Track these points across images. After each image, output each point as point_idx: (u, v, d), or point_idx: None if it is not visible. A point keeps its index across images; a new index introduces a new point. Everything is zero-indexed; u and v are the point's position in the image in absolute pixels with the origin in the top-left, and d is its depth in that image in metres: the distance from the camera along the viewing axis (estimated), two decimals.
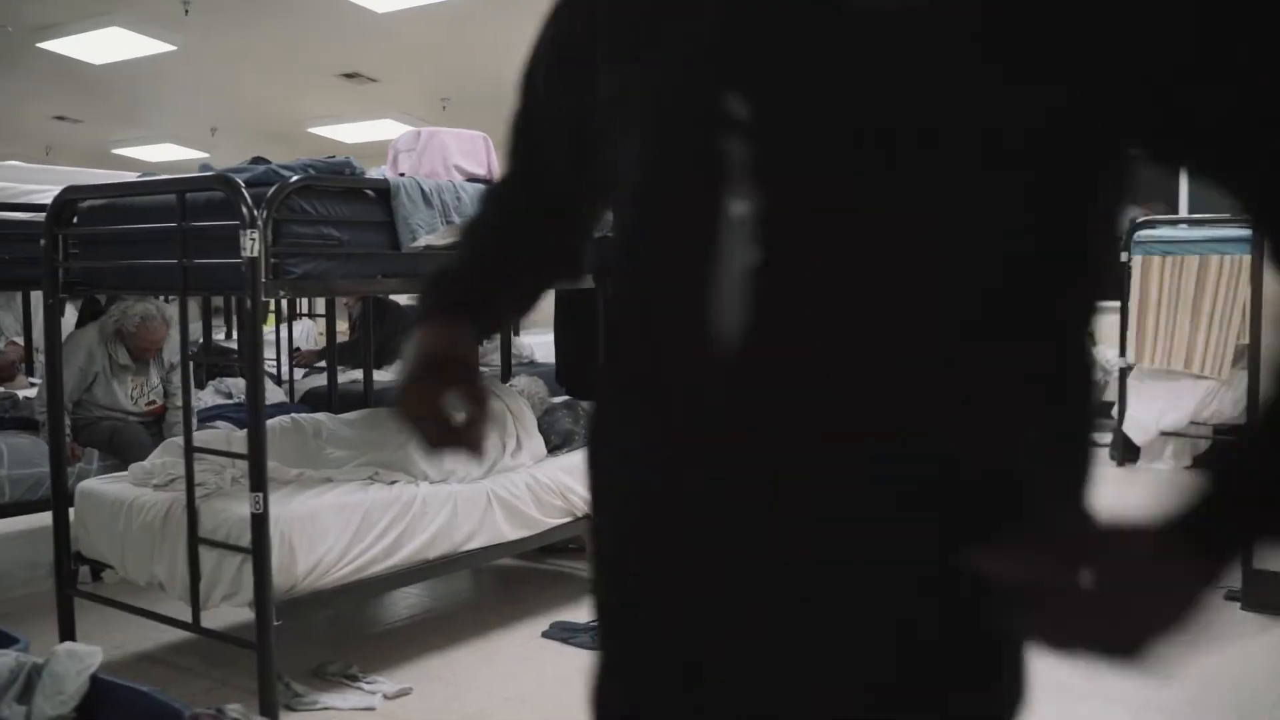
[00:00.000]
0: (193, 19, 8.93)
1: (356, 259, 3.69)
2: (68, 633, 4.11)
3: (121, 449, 5.14)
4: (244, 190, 3.37)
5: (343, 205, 3.64)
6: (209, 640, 3.75)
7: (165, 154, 13.88)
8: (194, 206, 3.55)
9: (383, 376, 7.29)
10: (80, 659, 2.94)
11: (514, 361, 8.10)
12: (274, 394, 6.44)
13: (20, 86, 11.72)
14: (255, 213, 3.33)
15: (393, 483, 4.07)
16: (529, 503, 4.41)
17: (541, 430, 4.85)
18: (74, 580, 4.10)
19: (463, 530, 4.13)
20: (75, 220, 3.98)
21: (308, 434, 4.29)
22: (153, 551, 3.77)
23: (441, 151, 4.15)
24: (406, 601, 4.82)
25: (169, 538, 3.71)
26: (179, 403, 5.37)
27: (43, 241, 3.96)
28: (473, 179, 4.17)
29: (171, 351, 5.54)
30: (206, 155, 10.96)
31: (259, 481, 3.41)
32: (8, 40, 9.85)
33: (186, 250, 3.56)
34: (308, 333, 9.48)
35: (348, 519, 3.75)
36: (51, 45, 9.82)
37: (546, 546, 5.38)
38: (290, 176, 3.48)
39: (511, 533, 4.33)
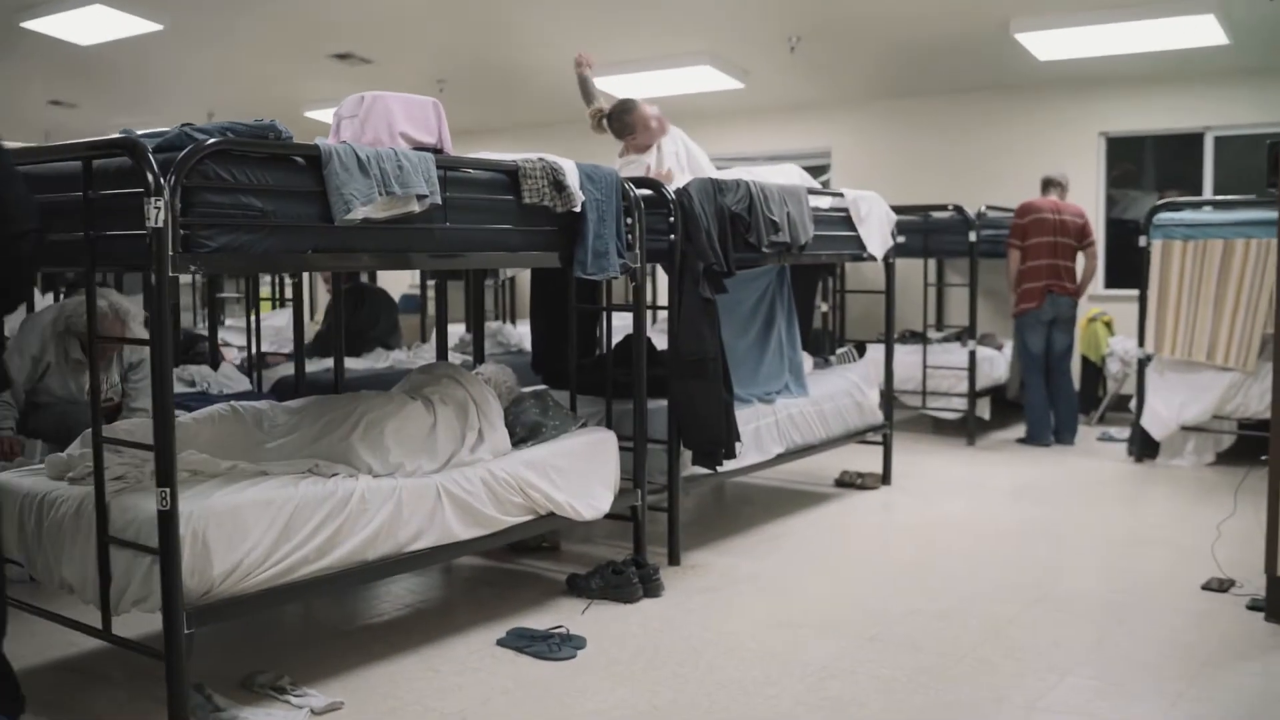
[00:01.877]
0: None
1: (283, 232, 3.36)
2: None
3: (69, 438, 4.84)
4: (150, 155, 3.05)
5: (267, 172, 3.30)
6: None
7: None
8: (106, 174, 3.24)
9: (359, 365, 7.00)
10: None
11: (503, 350, 7.80)
12: (240, 382, 6.16)
13: (11, 70, 11.48)
14: (161, 179, 3.02)
15: (333, 475, 3.76)
16: (484, 499, 4.08)
17: (507, 423, 4.53)
18: None
19: (408, 529, 3.81)
20: None
21: (247, 423, 3.97)
22: (61, 551, 3.46)
23: (386, 117, 3.81)
24: (352, 606, 4.50)
25: (80, 537, 3.40)
26: (136, 404, 5.11)
27: None
28: (420, 147, 3.83)
29: (132, 349, 5.25)
30: None
31: (165, 475, 3.09)
32: None
33: (93, 221, 3.25)
34: (288, 320, 9.17)
35: (274, 516, 3.42)
36: (35, 25, 9.53)
37: (517, 545, 5.08)
38: (206, 140, 3.16)
39: (463, 532, 4.01)
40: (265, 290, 10.40)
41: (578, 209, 4.26)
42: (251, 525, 3.36)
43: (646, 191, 4.87)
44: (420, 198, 3.65)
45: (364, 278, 8.14)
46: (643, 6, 8.64)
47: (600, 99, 5.89)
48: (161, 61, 10.60)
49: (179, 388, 5.98)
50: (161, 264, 3.03)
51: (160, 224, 3.01)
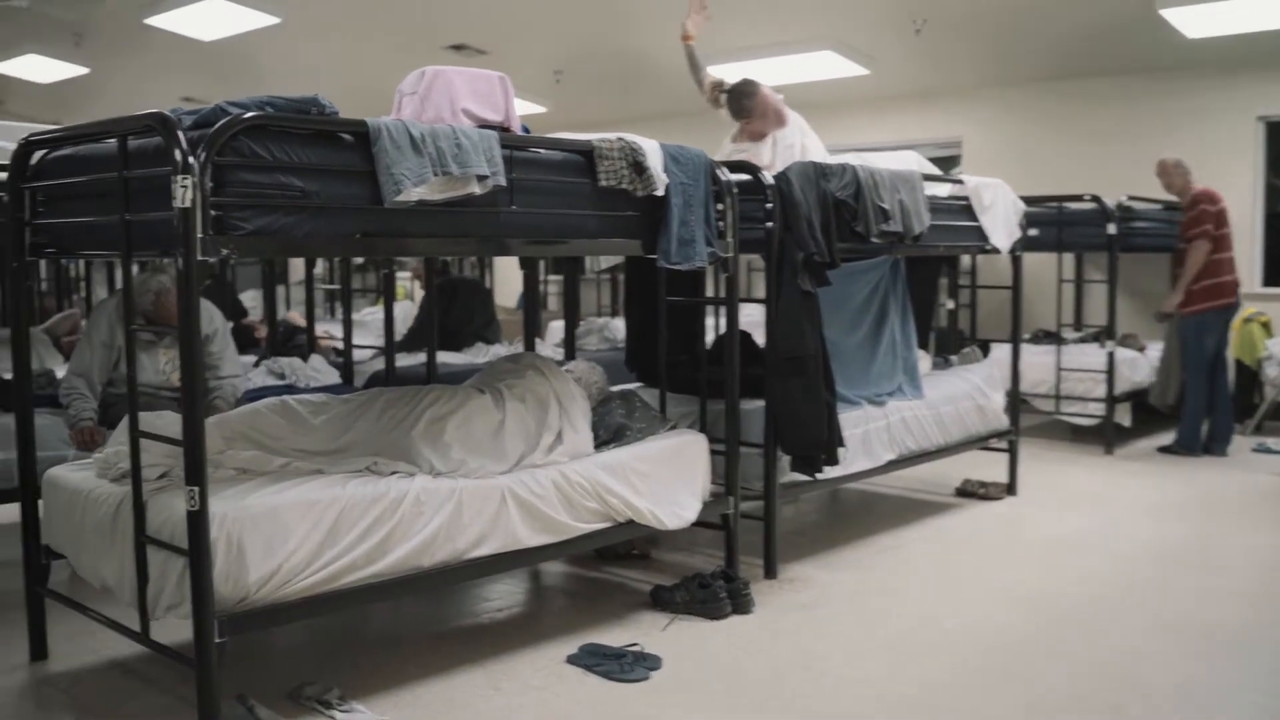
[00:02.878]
0: None
1: (327, 214, 3.11)
2: (37, 635, 3.71)
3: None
4: (180, 131, 2.84)
5: (309, 150, 3.06)
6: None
7: None
8: (144, 154, 3.05)
9: (458, 359, 6.82)
10: None
11: (608, 346, 7.53)
12: (329, 376, 6.01)
13: (141, 67, 11.71)
14: (190, 157, 2.80)
15: (391, 474, 3.52)
16: (555, 504, 3.79)
17: (591, 425, 4.25)
18: (44, 577, 3.67)
19: (468, 534, 3.55)
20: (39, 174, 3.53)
21: (301, 418, 3.73)
22: (102, 550, 3.29)
23: (448, 93, 3.55)
24: (414, 613, 4.26)
25: (118, 536, 3.23)
26: (222, 373, 5.00)
27: (5, 197, 3.54)
28: (484, 125, 3.56)
29: (205, 321, 5.12)
30: None
31: (195, 473, 2.88)
32: (114, 18, 9.75)
33: (129, 203, 3.06)
34: (405, 315, 9.06)
35: (317, 518, 3.20)
36: (158, 21, 9.65)
37: (604, 551, 4.79)
38: (242, 114, 2.94)
39: (531, 538, 3.73)
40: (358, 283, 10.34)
41: (660, 193, 3.94)
42: (292, 528, 3.14)
43: (742, 176, 4.52)
44: (481, 179, 3.37)
45: (459, 271, 7.97)
46: None
47: (709, 74, 5.57)
48: (280, 55, 10.65)
49: (268, 380, 5.87)
50: (189, 246, 2.81)
51: (188, 204, 2.79)
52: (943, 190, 5.63)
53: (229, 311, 8.10)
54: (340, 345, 7.44)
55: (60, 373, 5.28)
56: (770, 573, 4.65)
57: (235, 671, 3.45)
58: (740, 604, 4.20)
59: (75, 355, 4.89)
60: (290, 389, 5.65)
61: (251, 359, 6.97)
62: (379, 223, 3.24)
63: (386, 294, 6.00)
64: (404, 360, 6.53)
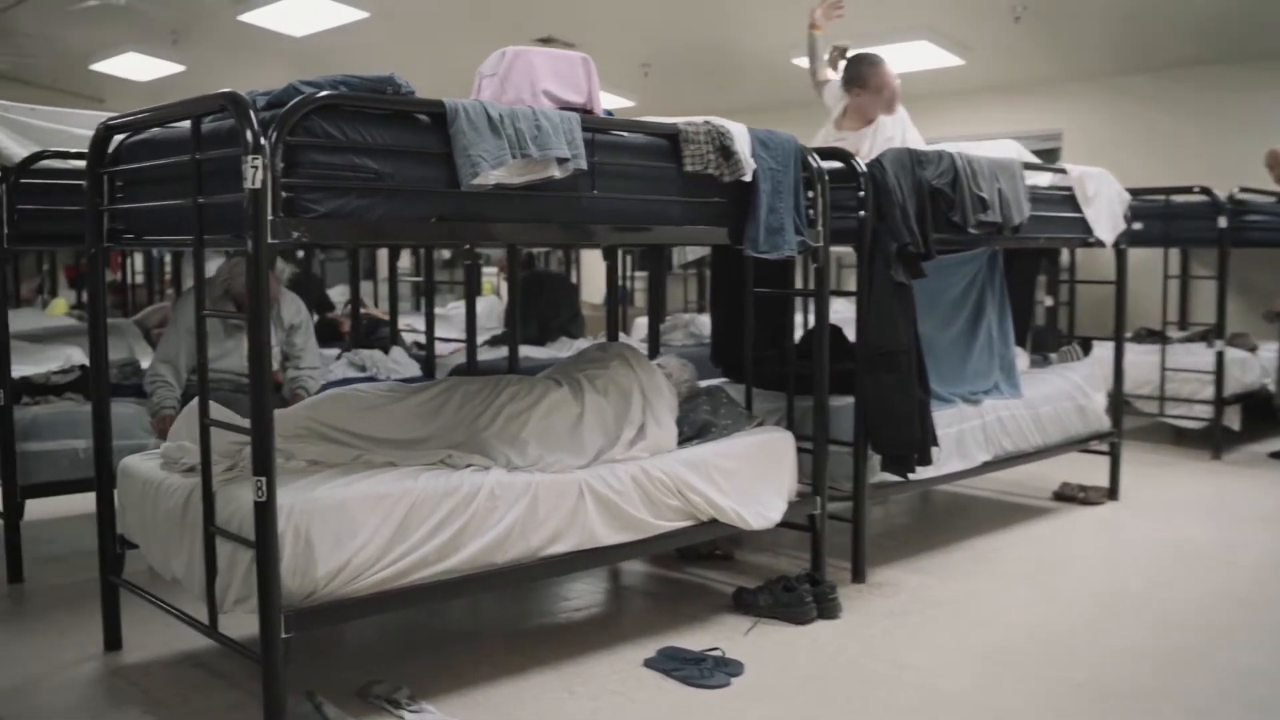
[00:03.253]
0: None
1: (401, 197, 3.01)
2: (111, 625, 3.67)
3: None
4: (251, 111, 2.76)
5: (383, 131, 2.97)
6: None
7: None
8: (217, 136, 2.98)
9: (543, 354, 6.72)
10: None
11: (695, 342, 7.38)
12: (410, 368, 5.95)
13: (236, 63, 11.83)
14: (261, 137, 2.72)
15: (466, 467, 3.41)
16: (635, 500, 3.66)
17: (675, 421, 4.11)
18: (119, 566, 3.63)
19: (544, 530, 3.43)
20: (117, 160, 3.50)
21: (375, 408, 3.63)
22: (172, 542, 3.23)
23: (528, 74, 3.43)
24: (489, 610, 4.14)
25: (187, 527, 3.17)
26: (303, 364, 4.99)
27: (85, 183, 3.51)
28: (567, 107, 3.44)
29: (293, 312, 5.13)
30: None
31: (263, 463, 2.80)
32: (207, 13, 9.84)
33: (203, 185, 2.99)
34: (491, 310, 9.01)
35: (387, 512, 3.10)
36: (251, 18, 9.73)
37: (686, 551, 4.65)
38: (315, 94, 2.85)
39: (609, 536, 3.59)
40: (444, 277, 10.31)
41: (748, 178, 3.78)
42: (361, 522, 3.04)
43: (834, 163, 4.34)
44: (561, 161, 3.25)
45: (544, 265, 7.89)
46: None
47: (826, 70, 5.39)
48: (369, 49, 10.66)
49: (349, 372, 5.83)
50: (260, 228, 2.73)
51: (258, 184, 2.71)
52: (1044, 180, 5.39)
53: (315, 306, 8.14)
54: (423, 339, 7.41)
55: (146, 363, 5.30)
56: (858, 576, 4.46)
57: (304, 667, 3.38)
58: (826, 609, 4.02)
59: (162, 342, 4.89)
60: (371, 381, 5.60)
61: (335, 352, 6.96)
62: (455, 206, 3.14)
63: (469, 287, 5.92)
64: (486, 354, 6.45)
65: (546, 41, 10.17)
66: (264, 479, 2.79)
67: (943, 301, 5.20)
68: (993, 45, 8.91)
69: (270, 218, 2.74)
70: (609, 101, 12.46)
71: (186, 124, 3.07)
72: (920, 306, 4.59)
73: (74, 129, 4.58)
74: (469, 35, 10.27)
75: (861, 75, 5.02)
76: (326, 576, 2.97)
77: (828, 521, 4.31)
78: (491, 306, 9.13)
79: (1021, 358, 5.76)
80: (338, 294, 9.93)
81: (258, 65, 11.87)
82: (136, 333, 7.04)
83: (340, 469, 3.31)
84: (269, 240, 2.76)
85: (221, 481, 3.10)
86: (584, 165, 3.31)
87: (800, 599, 3.98)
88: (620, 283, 8.72)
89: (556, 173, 3.26)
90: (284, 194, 2.79)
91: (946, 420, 4.80)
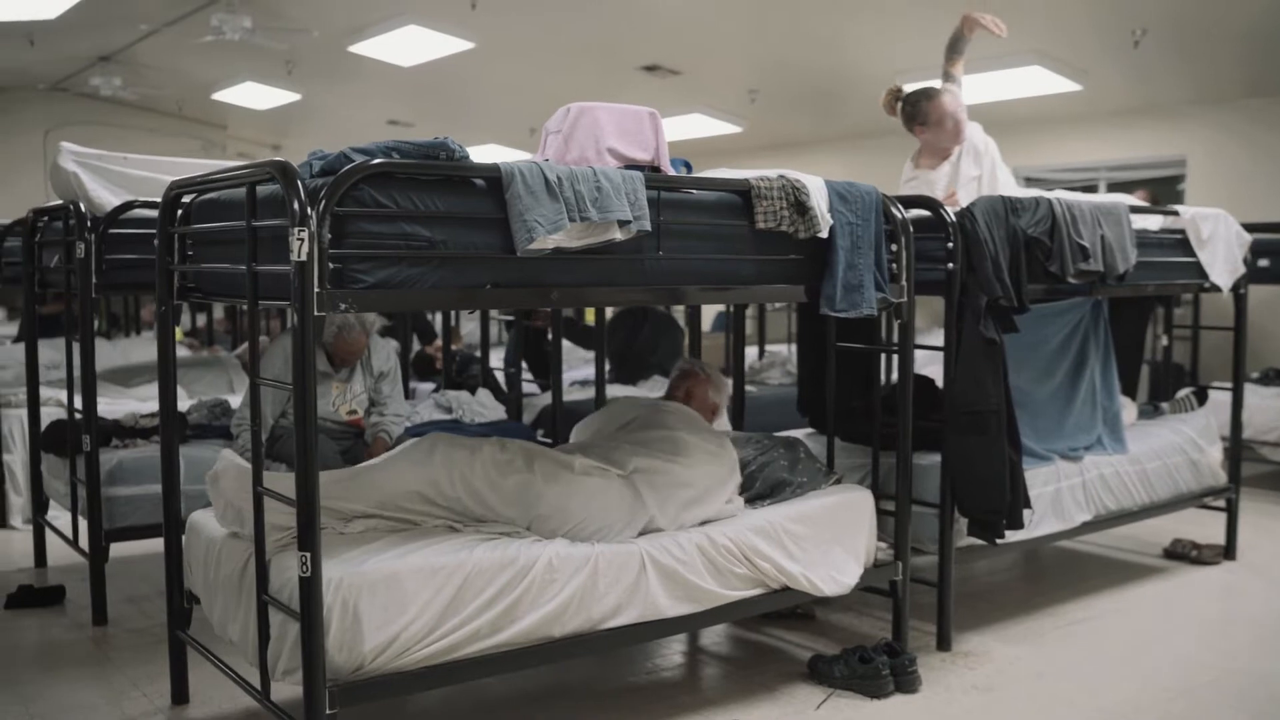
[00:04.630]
0: (481, 14, 8.66)
1: (454, 264, 2.96)
2: (178, 678, 3.69)
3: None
4: (299, 180, 2.74)
5: (436, 197, 2.91)
6: None
7: (490, 155, 13.96)
8: (270, 201, 2.96)
9: (634, 394, 6.65)
10: None
11: (792, 380, 7.21)
12: (495, 410, 5.92)
13: (348, 92, 12.08)
14: (309, 208, 2.69)
15: (525, 538, 3.33)
16: (700, 569, 3.53)
17: (748, 474, 3.99)
18: (186, 620, 3.65)
19: (604, 603, 3.33)
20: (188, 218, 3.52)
21: (438, 483, 3.47)
22: (231, 605, 3.23)
23: (593, 131, 3.35)
24: (540, 677, 4.00)
25: (243, 593, 3.15)
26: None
27: (156, 241, 3.54)
28: (632, 165, 3.35)
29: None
30: (527, 155, 10.80)
31: (307, 539, 2.76)
32: (319, 46, 10.04)
33: (257, 251, 2.98)
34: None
35: (440, 585, 3.04)
36: (361, 48, 9.90)
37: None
38: (367, 161, 2.81)
39: (672, 608, 3.47)
40: None
41: (824, 234, 3.64)
42: (413, 595, 2.98)
43: (920, 211, 4.16)
44: (623, 224, 3.16)
45: None
46: (966, 3, 7.81)
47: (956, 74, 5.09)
48: (476, 77, 10.77)
49: (435, 413, 5.83)
50: (305, 300, 2.70)
51: (304, 257, 2.68)
52: (1153, 223, 5.11)
53: (417, 334, 8.20)
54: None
55: (236, 401, 5.37)
56: (943, 644, 4.26)
57: None
58: (905, 682, 3.84)
59: (248, 387, 4.94)
60: (456, 424, 5.58)
61: (430, 386, 6.99)
62: (512, 273, 3.07)
63: (555, 327, 5.87)
64: (574, 394, 6.40)
65: (652, 70, 10.14)
66: (308, 554, 2.75)
67: (1041, 352, 4.96)
68: (1111, 69, 8.57)
69: (317, 290, 2.71)
70: (714, 128, 12.42)
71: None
72: (1016, 357, 4.38)
73: (165, 177, 4.66)
74: (574, 63, 10.30)
75: (920, 112, 4.81)
76: (374, 651, 2.92)
77: (912, 582, 4.13)
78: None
79: (1129, 410, 5.47)
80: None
81: (368, 94, 12.11)
82: (237, 365, 7.18)
83: (396, 536, 3.26)
84: (315, 313, 2.72)
85: (278, 548, 3.07)
86: (647, 227, 3.21)
87: (877, 671, 3.81)
88: (728, 311, 8.63)
89: (618, 235, 3.17)
90: (332, 265, 2.75)
91: (1042, 479, 4.57)
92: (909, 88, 4.94)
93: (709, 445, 3.86)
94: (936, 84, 4.91)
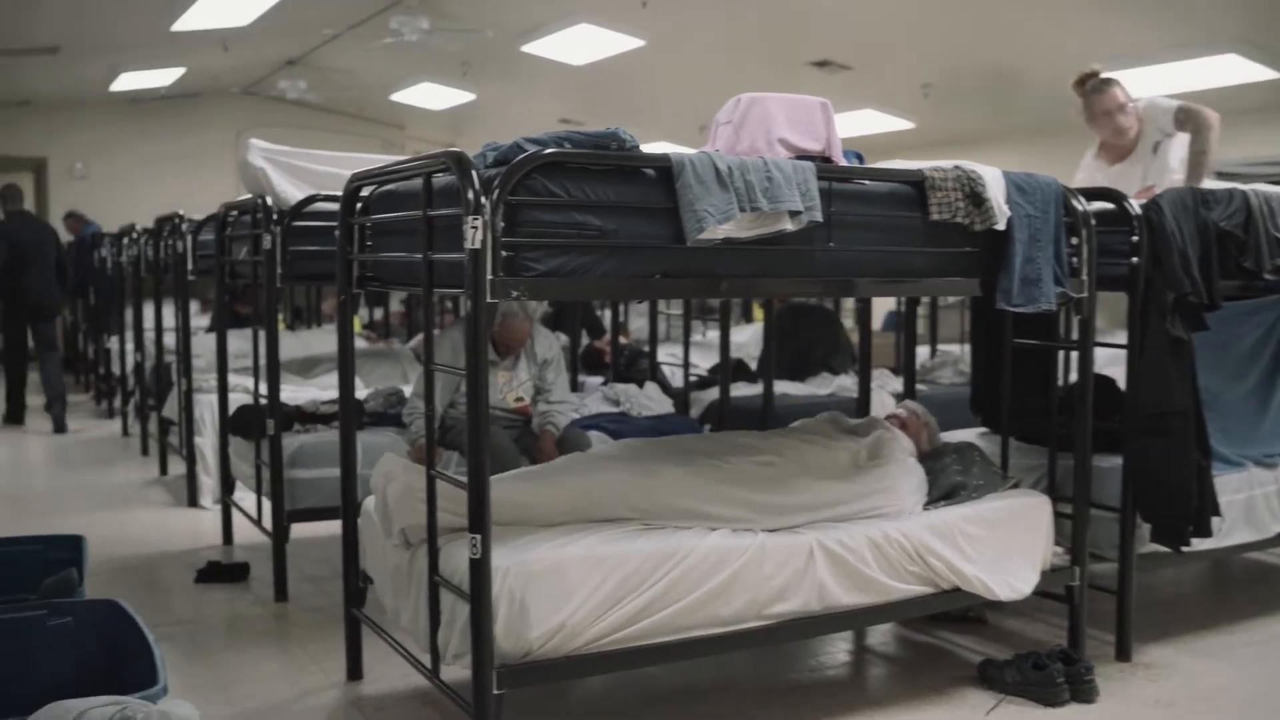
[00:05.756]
0: (652, 12, 8.72)
1: (624, 253, 2.97)
2: (353, 655, 3.81)
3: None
4: (473, 170, 2.79)
5: (607, 187, 2.93)
6: None
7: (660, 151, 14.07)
8: (446, 192, 3.03)
9: (799, 390, 6.58)
10: None
11: (964, 380, 7.04)
12: (663, 404, 5.93)
13: (521, 91, 12.31)
14: (482, 197, 2.74)
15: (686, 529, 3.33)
16: (869, 560, 3.46)
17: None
18: (361, 599, 3.77)
19: (770, 584, 3.28)
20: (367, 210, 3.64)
21: (640, 468, 3.54)
22: (402, 590, 3.31)
23: (764, 121, 3.32)
24: (707, 668, 3.98)
25: (414, 580, 3.24)
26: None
27: (337, 231, 3.67)
28: (803, 156, 3.31)
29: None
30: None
31: (478, 520, 2.81)
32: (493, 46, 10.25)
33: (432, 241, 3.05)
34: (755, 337, 8.92)
35: (604, 575, 3.05)
36: (533, 48, 10.08)
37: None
38: (540, 151, 2.85)
39: (840, 595, 3.41)
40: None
41: (1000, 226, 3.52)
42: (577, 584, 3.01)
43: (1102, 205, 4.00)
44: (794, 214, 3.12)
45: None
46: None
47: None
48: (646, 75, 10.84)
49: (603, 406, 5.87)
50: (479, 289, 2.75)
51: (478, 245, 2.73)
52: None
53: (587, 328, 8.28)
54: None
55: (409, 391, 5.52)
56: (1123, 654, 4.08)
57: (528, 714, 3.39)
58: (1081, 692, 3.69)
59: (419, 376, 5.08)
60: (624, 417, 5.62)
61: (599, 380, 7.06)
62: (681, 263, 3.07)
63: (724, 319, 5.85)
64: (742, 389, 6.37)
65: (823, 65, 10.03)
66: (479, 536, 2.81)
67: (1234, 352, 4.70)
68: None
69: (490, 277, 2.76)
70: (885, 124, 12.24)
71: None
72: (1205, 359, 4.17)
73: (345, 171, 4.83)
74: (745, 58, 10.27)
75: (1086, 105, 4.62)
76: (541, 638, 2.95)
77: (1090, 590, 3.97)
78: (756, 334, 9.04)
79: None
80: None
81: (541, 93, 12.32)
82: (411, 356, 7.38)
83: (559, 530, 3.29)
84: (488, 299, 2.77)
85: (449, 537, 3.13)
86: (818, 217, 3.17)
87: (1051, 679, 3.67)
88: (899, 309, 8.48)
89: (789, 226, 3.14)
90: (504, 253, 2.80)
91: (1234, 485, 4.34)
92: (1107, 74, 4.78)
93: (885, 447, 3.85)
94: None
